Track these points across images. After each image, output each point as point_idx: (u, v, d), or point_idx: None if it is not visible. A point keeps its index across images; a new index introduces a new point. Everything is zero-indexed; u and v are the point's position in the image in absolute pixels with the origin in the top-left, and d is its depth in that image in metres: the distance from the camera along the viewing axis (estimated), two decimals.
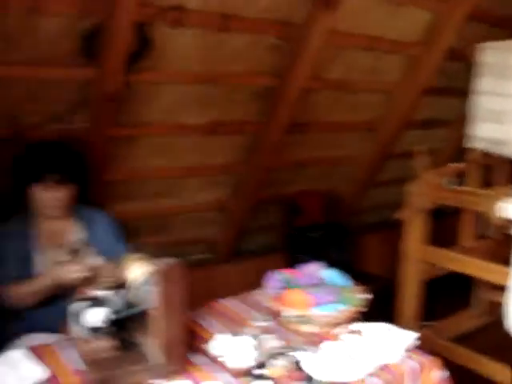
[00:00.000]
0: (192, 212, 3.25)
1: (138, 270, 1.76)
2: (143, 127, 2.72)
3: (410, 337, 1.90)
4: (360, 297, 2.03)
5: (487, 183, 3.63)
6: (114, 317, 1.67)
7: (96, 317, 1.66)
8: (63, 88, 2.40)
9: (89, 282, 2.00)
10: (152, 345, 1.66)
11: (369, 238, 4.12)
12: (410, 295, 3.29)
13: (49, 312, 2.16)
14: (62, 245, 2.34)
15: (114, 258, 2.10)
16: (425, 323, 3.61)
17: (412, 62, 3.33)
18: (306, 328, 1.95)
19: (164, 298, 1.59)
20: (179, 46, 2.50)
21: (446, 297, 3.96)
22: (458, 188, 3.10)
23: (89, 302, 1.68)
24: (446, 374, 1.90)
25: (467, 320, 3.71)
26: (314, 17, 2.66)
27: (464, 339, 3.56)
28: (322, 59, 2.93)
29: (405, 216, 3.10)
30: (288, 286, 2.04)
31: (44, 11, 2.10)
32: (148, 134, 2.77)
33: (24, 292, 2.14)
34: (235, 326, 1.99)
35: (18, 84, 2.29)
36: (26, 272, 2.22)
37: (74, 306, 1.68)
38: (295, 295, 1.95)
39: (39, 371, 1.63)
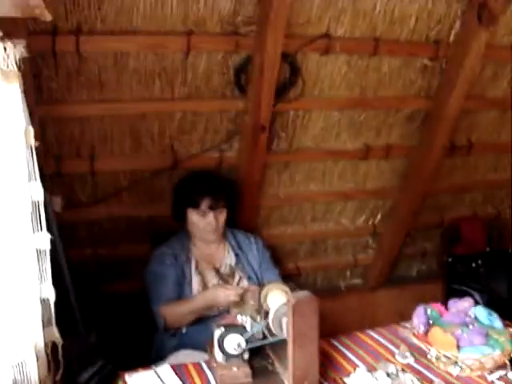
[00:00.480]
0: (345, 237, 3.23)
1: (277, 300, 1.79)
2: (296, 154, 2.77)
3: None
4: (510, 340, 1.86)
5: None
6: (249, 345, 1.71)
7: (232, 344, 1.72)
8: (218, 119, 2.54)
9: (237, 305, 2.08)
10: (286, 375, 1.67)
11: None
12: None
13: (199, 331, 2.26)
14: (216, 268, 2.47)
15: (262, 284, 2.15)
16: None
17: None
18: (451, 370, 1.83)
19: (294, 330, 1.60)
20: (328, 73, 2.53)
21: None
22: None
23: (228, 329, 1.74)
24: None
25: None
26: (469, 33, 2.52)
27: None
28: (480, 77, 2.75)
29: None
30: (434, 323, 1.93)
31: (199, 49, 2.26)
32: (301, 160, 2.82)
33: (180, 312, 2.28)
34: (377, 359, 1.94)
35: (176, 117, 2.47)
36: (182, 293, 2.37)
37: (216, 332, 1.75)
38: (440, 334, 1.84)
39: None
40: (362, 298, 3.35)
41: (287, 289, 1.85)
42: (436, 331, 1.85)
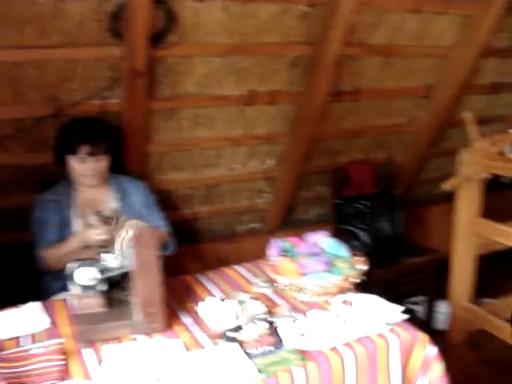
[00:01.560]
0: (239, 182, 3.32)
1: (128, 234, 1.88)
2: (180, 100, 2.81)
3: (398, 311, 1.86)
4: (355, 268, 2.01)
5: None
6: (100, 276, 1.81)
7: (85, 276, 1.80)
8: (97, 67, 2.56)
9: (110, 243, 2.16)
10: (134, 303, 1.78)
11: (428, 211, 3.97)
12: (461, 270, 3.16)
13: None
14: (98, 212, 2.53)
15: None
16: (483, 300, 3.46)
17: (467, 22, 3.12)
18: (298, 296, 1.97)
19: (138, 260, 1.70)
20: (206, 19, 2.56)
21: None
22: (509, 156, 2.90)
23: (81, 262, 1.82)
24: (434, 350, 1.84)
25: None
26: None
27: None
28: (360, 24, 2.85)
29: (452, 186, 2.96)
30: (287, 254, 2.06)
31: None
32: (186, 106, 2.86)
33: (57, 254, 2.35)
34: (237, 290, 2.07)
35: (54, 65, 2.48)
36: (64, 237, 2.44)
37: (69, 266, 1.83)
38: (286, 264, 1.97)
39: (43, 321, 1.84)
40: (260, 241, 3.46)
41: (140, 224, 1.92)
42: (282, 261, 1.98)
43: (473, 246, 3.09)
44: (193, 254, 3.33)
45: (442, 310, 3.39)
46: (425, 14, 3.01)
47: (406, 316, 1.85)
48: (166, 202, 3.13)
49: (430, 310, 3.40)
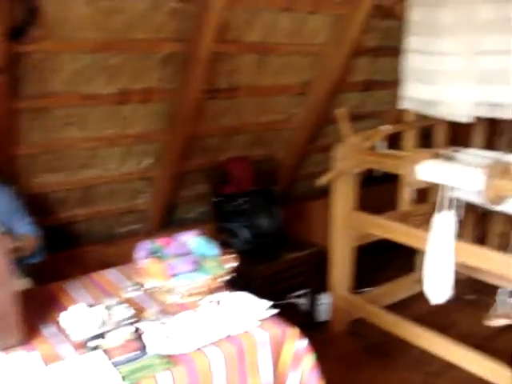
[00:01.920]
0: (117, 182, 3.22)
1: None
2: (48, 99, 2.68)
3: (266, 307, 1.87)
4: (223, 266, 2.00)
5: (426, 146, 3.55)
6: None
7: None
8: None
9: None
10: None
11: (308, 205, 4.07)
12: (340, 262, 3.25)
13: None
14: None
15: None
16: (363, 290, 3.59)
17: (338, 21, 3.22)
18: (167, 298, 1.93)
19: None
20: (72, 13, 2.45)
21: (397, 260, 3.92)
22: (380, 151, 3.02)
23: None
24: (304, 343, 1.87)
25: (410, 285, 3.65)
26: None
27: (403, 305, 3.54)
28: (234, 21, 2.85)
29: (327, 181, 3.04)
30: (155, 255, 2.02)
31: None
32: (56, 105, 2.73)
33: None
34: (106, 296, 1.99)
35: None
36: None
37: None
38: (154, 266, 1.92)
39: None
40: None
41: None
42: (150, 263, 1.93)
43: (349, 239, 3.19)
44: (73, 258, 3.19)
45: (324, 301, 3.48)
46: (297, 13, 3.06)
47: (275, 311, 1.86)
48: (40, 205, 2.98)
49: (313, 303, 3.47)
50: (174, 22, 2.72)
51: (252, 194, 3.33)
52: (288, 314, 1.97)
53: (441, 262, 2.62)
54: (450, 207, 2.61)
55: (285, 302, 3.58)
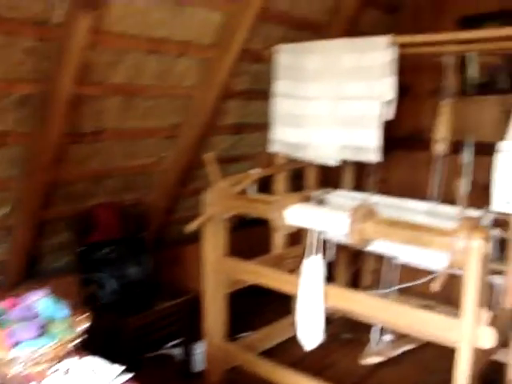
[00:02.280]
0: None
1: None
2: None
3: (119, 371, 1.72)
4: (74, 329, 1.82)
5: (298, 188, 3.59)
6: None
7: None
8: None
9: None
10: None
11: (183, 251, 3.96)
12: (213, 309, 3.16)
13: None
14: None
15: None
16: (240, 335, 3.51)
17: (207, 65, 3.19)
18: (9, 370, 1.72)
19: None
20: None
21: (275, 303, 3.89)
22: (250, 196, 3.00)
23: None
24: None
25: (287, 328, 3.61)
26: (72, 17, 2.44)
27: (281, 348, 3.50)
28: (97, 63, 2.72)
29: (197, 227, 2.95)
30: None
31: None
32: None
33: None
34: None
35: None
36: None
37: None
38: None
39: None
40: (2, 295, 3.11)
41: None
42: None
43: (222, 285, 3.11)
44: None
45: (200, 350, 3.35)
46: (165, 56, 2.99)
47: (129, 375, 1.71)
48: None
49: (189, 352, 3.34)
50: (30, 61, 2.54)
51: (120, 241, 3.17)
52: (162, 366, 1.84)
53: (311, 306, 2.61)
54: (318, 251, 2.61)
55: (159, 353, 3.42)
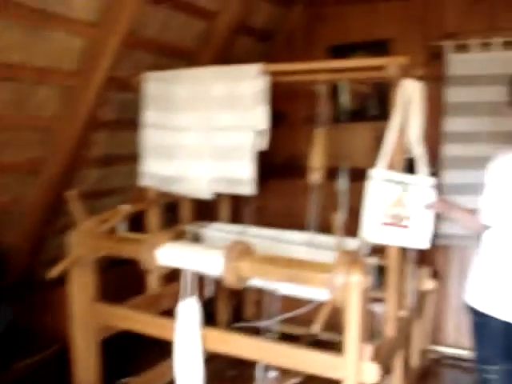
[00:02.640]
0: None
1: None
2: None
3: None
4: None
5: (173, 222, 3.42)
6: None
7: None
8: None
9: None
10: None
11: (56, 293, 3.61)
12: (85, 358, 2.87)
13: None
14: None
15: None
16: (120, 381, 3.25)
17: (69, 93, 2.93)
18: None
19: None
20: None
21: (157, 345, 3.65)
22: (119, 235, 2.78)
23: None
24: None
25: (168, 371, 3.38)
26: None
27: None
28: None
29: (61, 271, 2.67)
30: None
31: None
32: None
33: None
34: None
35: None
36: None
37: None
38: None
39: None
40: None
41: None
42: None
43: (93, 332, 2.83)
44: None
45: None
46: (21, 83, 2.71)
47: None
48: None
49: None
50: None
51: None
52: None
53: (189, 352, 2.42)
54: (193, 292, 2.43)
55: None
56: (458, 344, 3.91)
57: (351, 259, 2.02)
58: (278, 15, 4.18)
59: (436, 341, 3.97)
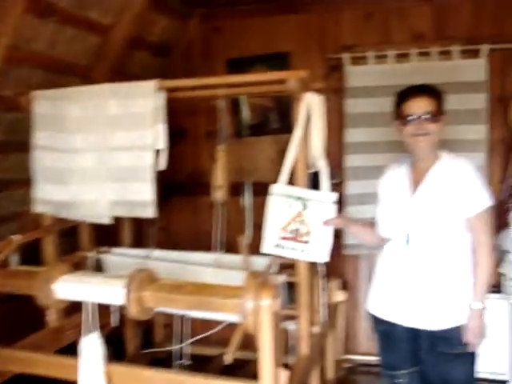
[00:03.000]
0: None
1: None
2: None
3: None
4: None
5: (73, 248, 3.21)
6: None
7: None
8: None
9: None
10: None
11: None
12: None
13: None
14: None
15: None
16: None
17: None
18: None
19: None
20: None
21: None
22: (10, 269, 2.55)
23: None
24: None
25: None
26: None
27: None
28: None
29: None
30: None
31: None
32: None
33: None
34: None
35: None
36: None
37: None
38: None
39: None
40: None
41: None
42: None
43: None
44: None
45: None
46: None
47: None
48: None
49: None
50: None
51: None
52: None
53: None
54: (95, 326, 2.26)
55: None
56: (371, 351, 3.94)
57: (260, 282, 1.94)
58: (174, 29, 4.06)
59: (349, 350, 3.98)
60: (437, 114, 2.20)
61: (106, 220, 2.75)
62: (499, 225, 3.27)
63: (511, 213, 3.44)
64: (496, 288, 3.39)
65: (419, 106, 2.19)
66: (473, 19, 3.68)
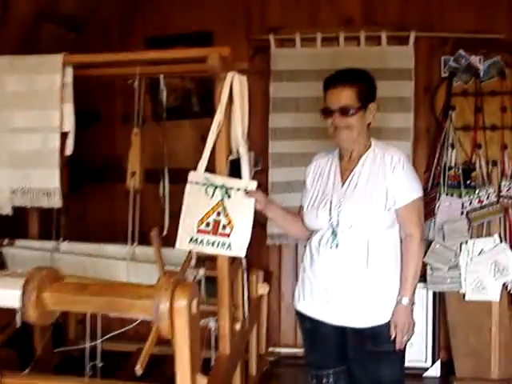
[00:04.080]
0: None
1: None
2: None
3: None
4: None
5: None
6: None
7: None
8: None
9: None
10: None
11: None
12: None
13: None
14: None
15: None
16: None
17: None
18: None
19: None
20: None
21: None
22: None
23: None
24: None
25: None
26: None
27: None
28: None
29: None
30: None
31: None
32: None
33: None
34: None
35: None
36: None
37: None
38: None
39: None
40: None
41: None
42: None
43: None
44: None
45: None
46: None
47: None
48: None
49: None
50: None
51: None
52: None
53: None
54: None
55: None
56: (295, 343, 3.85)
57: (175, 281, 1.74)
58: (90, 2, 3.77)
59: (273, 342, 3.87)
60: (359, 106, 2.06)
61: (7, 211, 2.47)
62: (424, 214, 3.23)
63: (436, 202, 3.41)
64: (420, 277, 3.36)
65: (338, 98, 2.04)
66: (402, 6, 3.63)
